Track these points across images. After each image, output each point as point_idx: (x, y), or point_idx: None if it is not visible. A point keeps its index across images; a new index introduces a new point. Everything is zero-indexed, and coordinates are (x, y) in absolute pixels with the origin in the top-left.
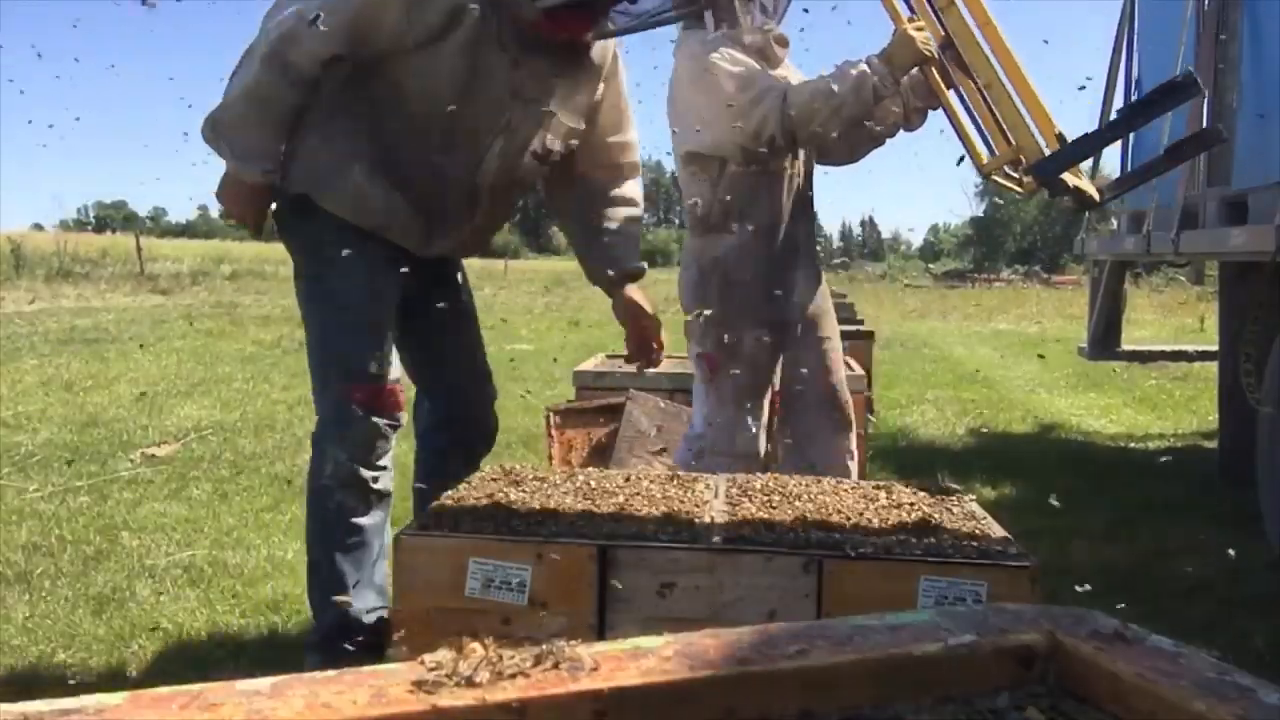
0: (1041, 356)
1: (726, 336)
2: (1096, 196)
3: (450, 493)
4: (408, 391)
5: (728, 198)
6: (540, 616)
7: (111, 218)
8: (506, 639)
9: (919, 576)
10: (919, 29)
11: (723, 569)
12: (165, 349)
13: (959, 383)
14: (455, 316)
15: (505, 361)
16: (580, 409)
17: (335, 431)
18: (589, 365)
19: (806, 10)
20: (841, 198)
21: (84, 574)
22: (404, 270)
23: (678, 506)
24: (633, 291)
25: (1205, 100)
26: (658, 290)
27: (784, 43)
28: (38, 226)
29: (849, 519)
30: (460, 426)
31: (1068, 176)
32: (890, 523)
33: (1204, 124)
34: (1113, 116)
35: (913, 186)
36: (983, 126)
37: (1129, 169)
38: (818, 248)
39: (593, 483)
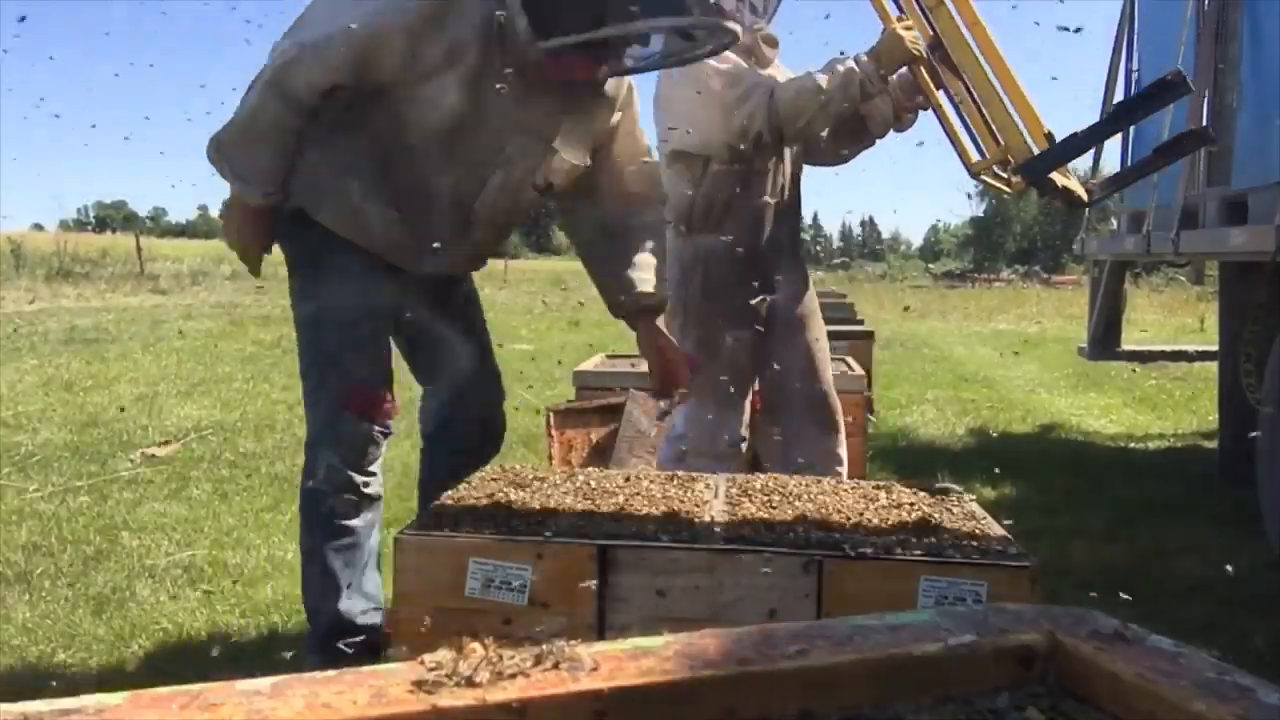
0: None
1: (706, 336)
2: (1085, 196)
3: (450, 493)
4: (412, 393)
5: (710, 197)
6: (538, 630)
7: (111, 218)
8: (506, 639)
9: (919, 576)
10: (908, 28)
11: (722, 569)
12: (165, 349)
13: (959, 383)
14: (462, 317)
15: (506, 362)
16: (580, 409)
17: (328, 436)
18: (589, 365)
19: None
20: (841, 198)
21: (84, 574)
22: (406, 274)
23: (678, 506)
24: (655, 325)
25: (1205, 100)
26: None
27: (773, 43)
28: (38, 226)
29: (849, 519)
30: (467, 428)
31: (1056, 176)
32: (890, 523)
33: (1204, 123)
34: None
35: (912, 186)
36: (971, 127)
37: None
38: (818, 248)
39: (593, 483)
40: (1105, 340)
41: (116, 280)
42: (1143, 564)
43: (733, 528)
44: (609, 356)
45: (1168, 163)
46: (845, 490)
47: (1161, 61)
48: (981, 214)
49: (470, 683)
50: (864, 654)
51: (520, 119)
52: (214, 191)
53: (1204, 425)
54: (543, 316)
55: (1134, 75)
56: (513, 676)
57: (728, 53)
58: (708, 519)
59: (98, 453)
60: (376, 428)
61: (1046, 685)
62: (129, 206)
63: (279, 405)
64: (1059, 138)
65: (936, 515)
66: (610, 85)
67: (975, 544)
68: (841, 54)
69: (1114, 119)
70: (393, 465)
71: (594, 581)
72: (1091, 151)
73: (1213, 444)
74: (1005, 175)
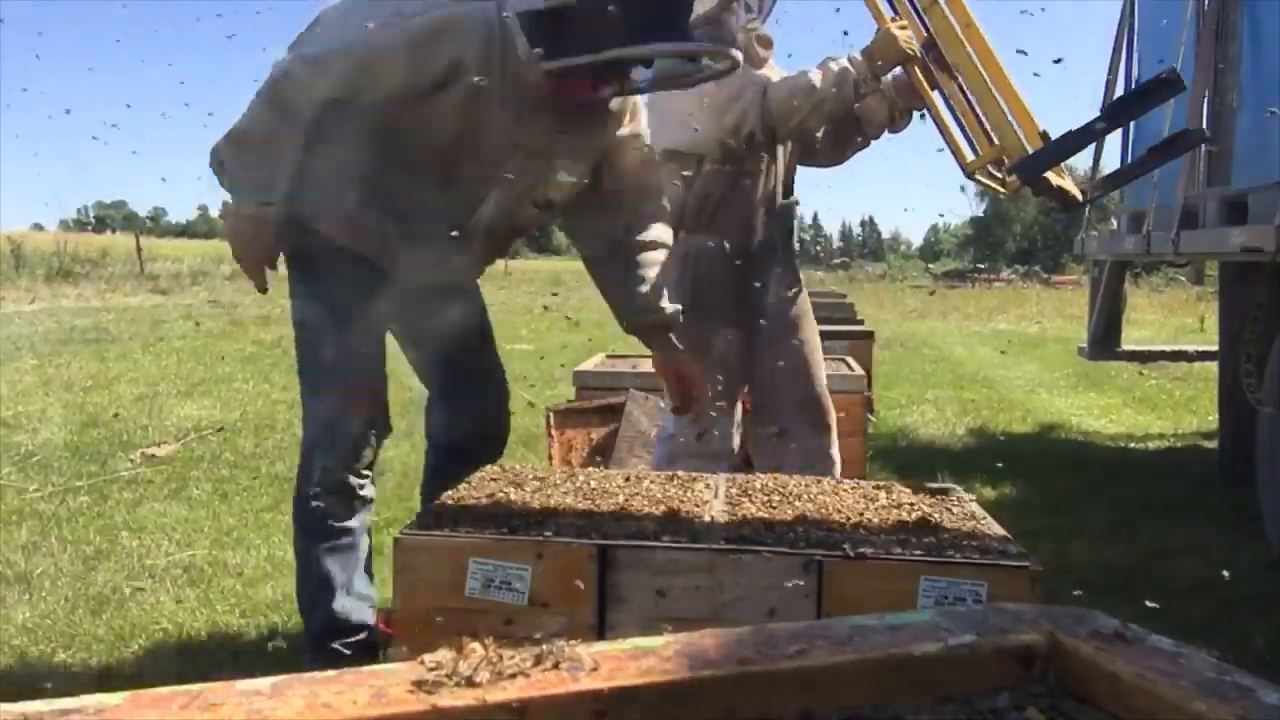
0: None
1: (697, 336)
2: (1079, 196)
3: (450, 493)
4: (412, 393)
5: (702, 196)
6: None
7: (111, 217)
8: (506, 639)
9: (919, 576)
10: (902, 28)
11: (722, 569)
12: (165, 349)
13: (959, 383)
14: (465, 319)
15: (506, 362)
16: (580, 409)
17: (325, 439)
18: (589, 365)
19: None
20: (841, 198)
21: (84, 574)
22: (405, 279)
23: (678, 506)
24: (669, 340)
25: (1205, 99)
26: None
27: (767, 43)
28: (38, 226)
29: (849, 519)
30: (471, 429)
31: (1051, 176)
32: (890, 523)
33: (1204, 123)
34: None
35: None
36: (966, 126)
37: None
38: (818, 248)
39: (593, 483)
40: (1105, 340)
41: (116, 280)
42: (1143, 564)
43: (733, 528)
44: (609, 356)
45: (1163, 162)
46: (845, 490)
47: (1161, 61)
48: (981, 214)
49: (470, 683)
50: (864, 654)
51: (520, 137)
52: (213, 192)
53: (1204, 425)
54: (543, 317)
55: (1134, 75)
56: (513, 676)
57: None
58: (708, 519)
59: (98, 453)
60: (373, 431)
61: (1046, 685)
62: (129, 206)
63: (279, 405)
64: (1053, 136)
65: (936, 515)
66: (615, 101)
67: (975, 544)
68: (833, 56)
69: (1109, 117)
70: (393, 465)
71: (585, 582)
72: (1092, 151)
73: (1213, 444)
74: (1000, 175)
